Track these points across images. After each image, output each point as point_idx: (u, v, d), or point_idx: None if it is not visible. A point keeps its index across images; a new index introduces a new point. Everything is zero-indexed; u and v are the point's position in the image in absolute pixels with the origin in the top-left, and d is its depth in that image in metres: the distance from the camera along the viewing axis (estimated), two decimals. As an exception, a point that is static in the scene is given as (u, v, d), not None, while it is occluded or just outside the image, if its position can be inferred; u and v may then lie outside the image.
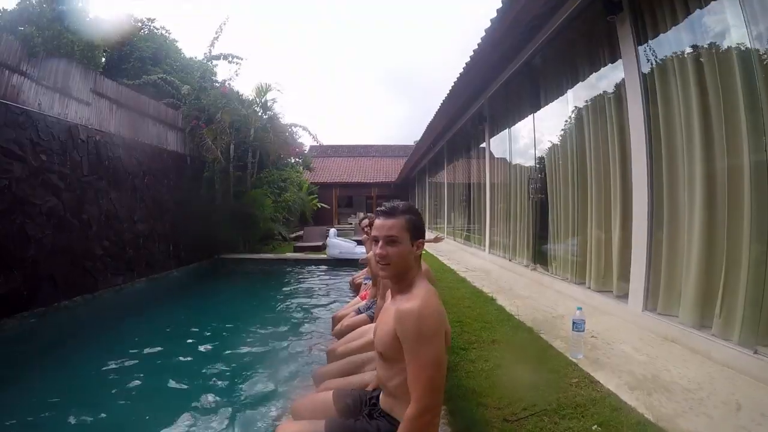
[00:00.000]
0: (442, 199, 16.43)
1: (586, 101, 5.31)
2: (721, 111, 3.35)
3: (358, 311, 4.88)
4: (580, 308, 3.39)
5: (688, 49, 3.70)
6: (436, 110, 10.38)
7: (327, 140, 36.35)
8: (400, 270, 1.90)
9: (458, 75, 7.48)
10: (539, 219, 6.74)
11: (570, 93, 5.75)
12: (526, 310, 4.99)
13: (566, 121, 5.89)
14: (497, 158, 9.16)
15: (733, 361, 3.11)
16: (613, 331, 4.06)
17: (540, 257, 6.74)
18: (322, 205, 26.58)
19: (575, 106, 5.61)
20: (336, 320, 5.12)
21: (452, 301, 5.50)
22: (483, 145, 9.75)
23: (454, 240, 13.74)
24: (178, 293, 9.28)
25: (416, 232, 1.93)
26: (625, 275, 4.57)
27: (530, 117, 7.04)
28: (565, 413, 2.51)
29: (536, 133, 6.88)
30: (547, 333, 4.07)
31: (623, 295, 4.59)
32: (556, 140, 6.18)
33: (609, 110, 4.82)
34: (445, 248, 13.02)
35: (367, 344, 3.32)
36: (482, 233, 10.01)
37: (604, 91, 4.96)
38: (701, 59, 3.56)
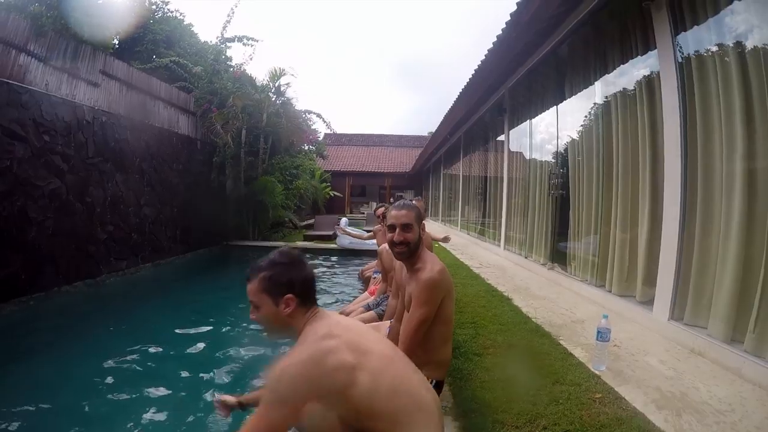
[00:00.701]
0: (456, 192, 16.20)
1: (615, 93, 5.05)
2: (767, 106, 3.11)
3: (367, 307, 4.71)
4: (606, 316, 3.18)
5: (731, 39, 3.45)
6: (455, 100, 10.18)
7: (339, 128, 36.37)
8: (276, 333, 1.82)
9: (479, 64, 7.26)
10: (559, 216, 6.51)
11: (598, 84, 5.48)
12: (544, 312, 4.79)
13: (592, 113, 5.62)
14: (516, 151, 8.91)
15: (767, 380, 2.90)
16: (637, 340, 3.85)
17: (558, 256, 6.51)
18: (335, 193, 26.51)
19: (603, 98, 5.34)
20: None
21: (466, 300, 5.32)
22: (501, 137, 9.51)
23: (468, 234, 13.53)
24: (184, 280, 9.14)
25: (277, 290, 1.76)
26: (650, 280, 4.35)
27: (553, 109, 6.78)
28: (589, 435, 2.32)
29: (559, 126, 6.62)
30: (566, 339, 3.88)
31: (647, 302, 4.37)
32: (580, 134, 5.91)
33: (640, 103, 4.57)
34: (459, 242, 12.83)
35: None
36: (497, 228, 9.79)
37: (636, 83, 4.69)
38: (745, 50, 3.31)
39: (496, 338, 3.88)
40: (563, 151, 6.43)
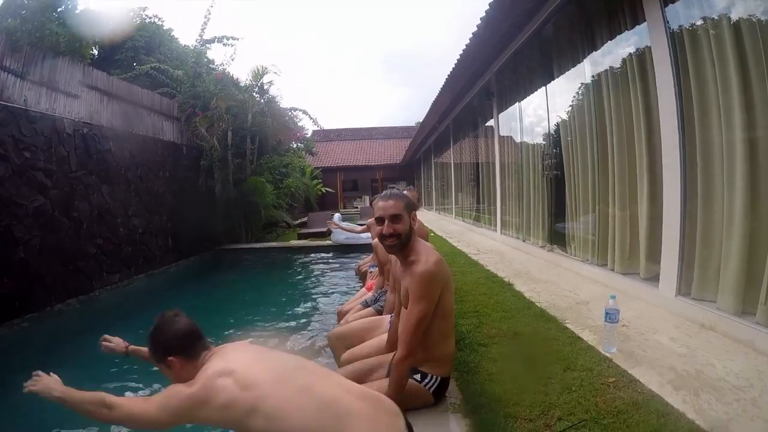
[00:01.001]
0: (448, 179, 16.11)
1: (606, 70, 4.94)
2: (765, 73, 3.01)
3: (365, 304, 4.60)
4: (613, 296, 3.09)
5: (723, 9, 3.35)
6: (441, 87, 10.04)
7: (329, 125, 36.25)
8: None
9: (463, 48, 7.12)
10: (554, 197, 6.42)
11: (586, 62, 5.37)
12: (547, 296, 4.69)
13: (583, 92, 5.52)
14: (506, 134, 8.81)
15: (783, 351, 2.82)
16: (644, 318, 3.76)
17: (556, 237, 6.42)
18: (327, 189, 26.39)
19: (592, 77, 5.24)
20: (341, 315, 4.84)
21: (466, 288, 5.23)
22: (491, 121, 9.42)
23: (463, 221, 13.45)
24: (178, 288, 8.96)
25: (163, 357, 1.94)
26: (653, 256, 4.27)
27: (542, 90, 6.67)
28: (607, 423, 2.22)
29: (549, 107, 6.52)
30: (573, 322, 3.78)
31: (652, 278, 4.29)
32: (572, 113, 5.80)
33: (632, 79, 4.46)
34: (454, 229, 12.77)
35: (375, 346, 3.03)
36: (493, 213, 9.70)
37: (626, 59, 4.57)
38: (738, 18, 3.21)
39: (500, 326, 3.78)
40: (555, 132, 6.33)
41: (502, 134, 8.91)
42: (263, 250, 12.53)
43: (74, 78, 8.55)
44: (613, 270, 4.88)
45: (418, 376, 2.50)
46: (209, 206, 12.44)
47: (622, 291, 4.47)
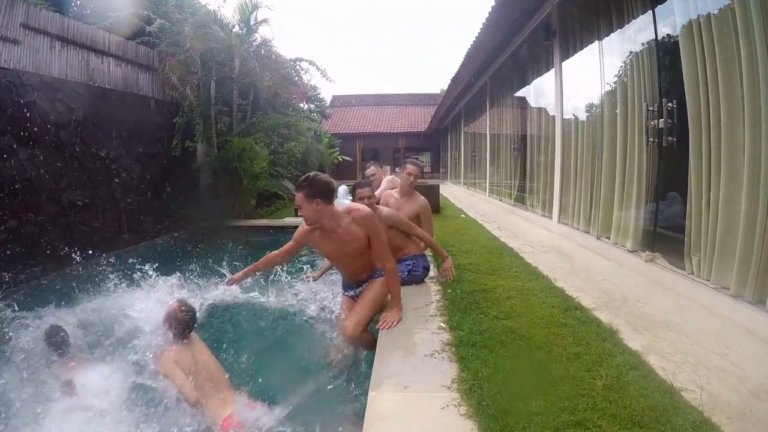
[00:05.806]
0: (481, 148, 13.98)
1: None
2: None
3: None
4: None
5: None
6: (479, 32, 7.98)
7: (348, 90, 34.88)
8: None
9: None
10: (660, 177, 4.39)
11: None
12: (689, 367, 2.64)
13: (736, 8, 3.31)
14: (574, 87, 6.59)
15: None
16: None
17: (661, 241, 4.38)
18: (344, 157, 24.90)
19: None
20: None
21: (538, 336, 3.09)
22: (549, 72, 7.24)
23: (500, 200, 11.38)
24: (124, 279, 6.94)
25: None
26: None
27: (647, 14, 4.50)
28: None
29: (659, 39, 4.34)
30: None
31: None
32: (708, 45, 3.56)
33: None
34: (490, 210, 10.84)
35: None
36: (548, 193, 7.56)
37: None
38: None
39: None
40: (670, 78, 4.16)
41: (566, 87, 6.71)
42: (251, 228, 10.60)
43: (14, 20, 7.05)
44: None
45: None
46: (186, 174, 10.63)
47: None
